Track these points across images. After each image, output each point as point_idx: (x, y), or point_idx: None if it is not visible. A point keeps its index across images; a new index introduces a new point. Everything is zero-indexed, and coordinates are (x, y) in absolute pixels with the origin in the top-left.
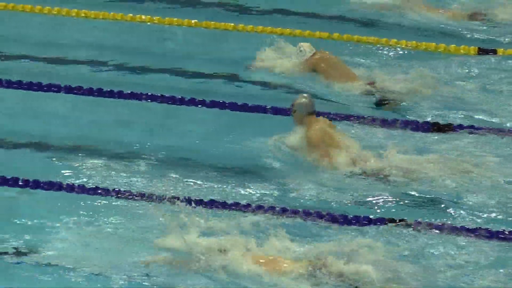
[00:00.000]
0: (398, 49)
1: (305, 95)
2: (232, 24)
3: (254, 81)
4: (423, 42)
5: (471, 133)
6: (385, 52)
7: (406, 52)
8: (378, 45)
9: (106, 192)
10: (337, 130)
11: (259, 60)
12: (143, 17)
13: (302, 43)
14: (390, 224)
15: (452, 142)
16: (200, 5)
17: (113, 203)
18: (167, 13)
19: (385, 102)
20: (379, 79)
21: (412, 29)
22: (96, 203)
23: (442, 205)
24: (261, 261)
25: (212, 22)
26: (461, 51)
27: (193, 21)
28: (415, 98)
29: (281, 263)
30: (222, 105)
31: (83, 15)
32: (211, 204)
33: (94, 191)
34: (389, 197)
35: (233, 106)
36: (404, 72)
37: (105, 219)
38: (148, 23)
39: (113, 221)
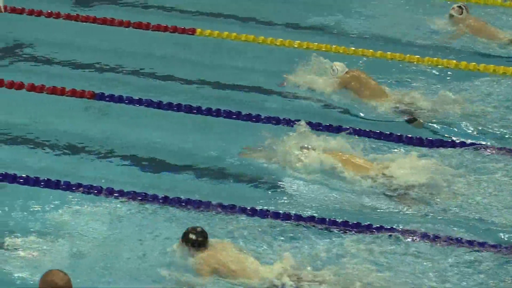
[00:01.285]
0: (432, 67)
1: (337, 63)
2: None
3: (286, 95)
4: (463, 62)
5: (496, 153)
6: (414, 69)
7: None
8: (411, 63)
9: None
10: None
11: (291, 76)
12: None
13: (335, 63)
14: None
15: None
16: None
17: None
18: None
19: (415, 119)
20: (409, 96)
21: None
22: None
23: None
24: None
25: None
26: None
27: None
28: (445, 116)
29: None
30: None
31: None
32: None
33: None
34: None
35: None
36: (434, 91)
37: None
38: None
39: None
